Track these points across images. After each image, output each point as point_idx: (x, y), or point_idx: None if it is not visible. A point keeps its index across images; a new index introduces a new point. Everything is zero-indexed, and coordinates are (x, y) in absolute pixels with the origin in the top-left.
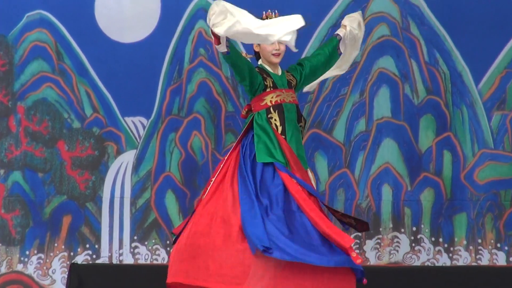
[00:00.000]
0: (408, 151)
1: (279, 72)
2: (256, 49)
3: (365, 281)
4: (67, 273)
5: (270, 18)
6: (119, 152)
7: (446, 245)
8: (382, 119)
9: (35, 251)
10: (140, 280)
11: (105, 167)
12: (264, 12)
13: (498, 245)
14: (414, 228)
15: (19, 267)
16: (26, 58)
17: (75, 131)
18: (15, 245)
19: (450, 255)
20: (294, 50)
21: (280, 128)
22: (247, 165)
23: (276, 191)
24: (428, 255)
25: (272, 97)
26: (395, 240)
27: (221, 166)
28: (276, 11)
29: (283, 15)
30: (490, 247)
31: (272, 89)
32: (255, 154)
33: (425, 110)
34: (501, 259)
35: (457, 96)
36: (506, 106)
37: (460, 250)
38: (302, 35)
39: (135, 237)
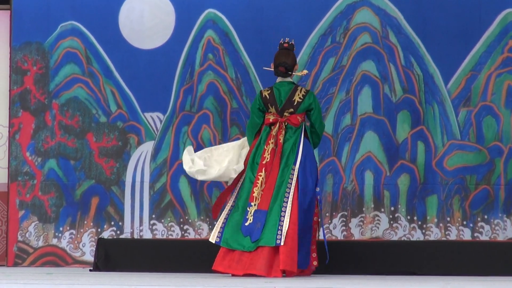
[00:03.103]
0: (387, 142)
1: None
2: None
3: None
4: (95, 246)
5: (286, 45)
6: (139, 142)
7: (419, 223)
8: (365, 114)
9: (68, 228)
10: (157, 252)
11: (127, 155)
12: (282, 40)
13: (464, 222)
14: (392, 208)
15: (54, 241)
16: (60, 62)
17: (102, 124)
18: (51, 222)
19: (423, 231)
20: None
21: None
22: None
23: None
24: (404, 231)
25: None
26: (376, 218)
27: None
28: (293, 40)
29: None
30: (457, 224)
31: None
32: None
33: (401, 107)
34: (467, 235)
35: (429, 95)
36: (471, 103)
37: (431, 227)
38: (295, 44)
39: (153, 216)
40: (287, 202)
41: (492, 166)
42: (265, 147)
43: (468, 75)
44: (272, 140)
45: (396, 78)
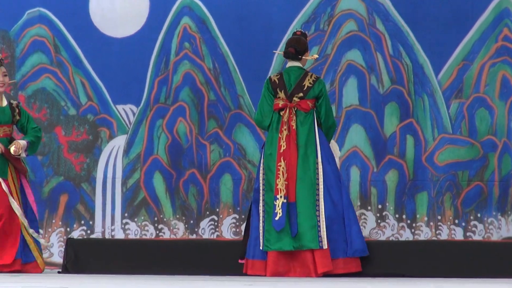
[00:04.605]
0: (374, 136)
1: None
2: None
3: None
4: (64, 247)
5: (299, 32)
6: (111, 136)
7: (409, 221)
8: (351, 106)
9: None
10: (130, 253)
11: (98, 150)
12: (296, 29)
13: (456, 221)
14: (380, 206)
15: None
16: (26, 51)
17: (71, 117)
18: None
19: (413, 230)
20: None
21: None
22: None
23: None
24: (392, 230)
25: None
26: (363, 217)
27: None
28: (307, 31)
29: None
30: (448, 223)
31: None
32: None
33: (389, 99)
34: (459, 234)
35: (418, 86)
36: (463, 95)
37: (421, 226)
38: (277, 31)
39: (126, 214)
40: (319, 200)
41: (485, 161)
42: (279, 135)
43: (460, 65)
44: (285, 127)
45: (384, 68)
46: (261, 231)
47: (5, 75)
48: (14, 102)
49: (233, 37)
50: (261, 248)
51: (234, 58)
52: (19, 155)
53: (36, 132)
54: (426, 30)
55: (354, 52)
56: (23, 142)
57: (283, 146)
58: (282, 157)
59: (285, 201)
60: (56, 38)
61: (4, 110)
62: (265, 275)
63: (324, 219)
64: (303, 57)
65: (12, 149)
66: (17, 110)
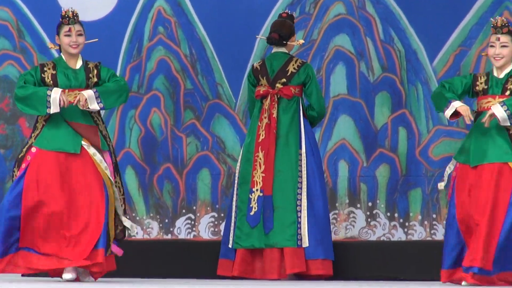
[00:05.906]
0: (364, 128)
1: None
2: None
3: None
4: None
5: (285, 15)
6: None
7: (401, 220)
8: (339, 96)
9: None
10: None
11: None
12: (282, 11)
13: None
14: (370, 204)
15: None
16: None
17: None
18: None
19: (405, 230)
20: None
21: None
22: None
23: None
24: (383, 230)
25: None
26: (351, 215)
27: None
28: (293, 13)
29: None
30: (444, 222)
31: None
32: None
33: (380, 87)
34: None
35: (412, 74)
36: None
37: (415, 225)
38: (259, 15)
39: None
40: (301, 194)
41: None
42: (259, 123)
43: (456, 51)
44: (265, 115)
45: (374, 54)
46: (232, 228)
47: (80, 35)
48: (92, 63)
49: (212, 21)
50: (230, 246)
51: (213, 43)
52: (88, 108)
53: (115, 82)
54: (419, 13)
55: (342, 37)
56: (88, 92)
57: (262, 136)
58: (260, 147)
59: (261, 194)
60: (20, 21)
61: (77, 72)
62: (231, 276)
63: (306, 215)
64: (289, 42)
65: (80, 103)
66: (95, 71)
